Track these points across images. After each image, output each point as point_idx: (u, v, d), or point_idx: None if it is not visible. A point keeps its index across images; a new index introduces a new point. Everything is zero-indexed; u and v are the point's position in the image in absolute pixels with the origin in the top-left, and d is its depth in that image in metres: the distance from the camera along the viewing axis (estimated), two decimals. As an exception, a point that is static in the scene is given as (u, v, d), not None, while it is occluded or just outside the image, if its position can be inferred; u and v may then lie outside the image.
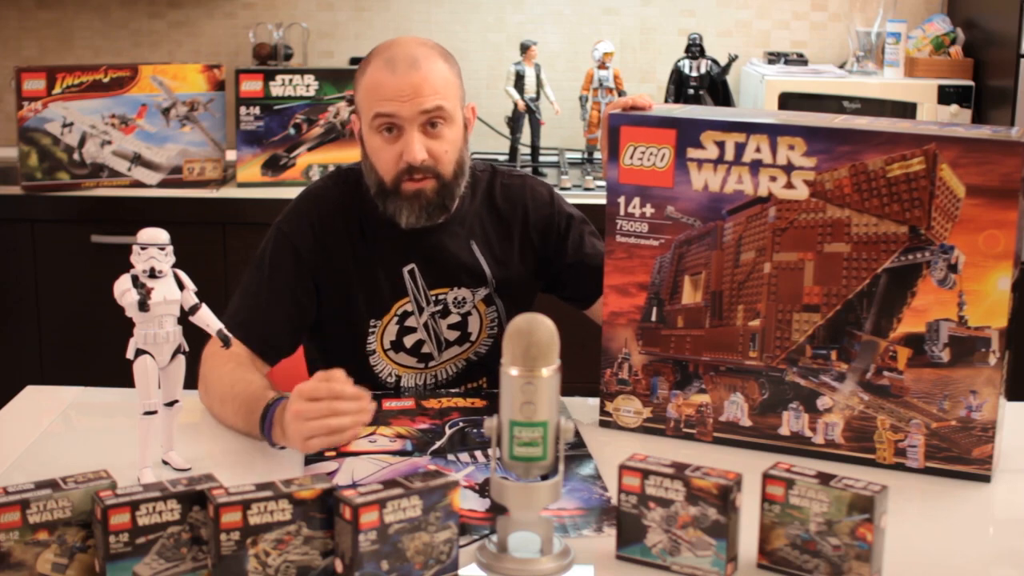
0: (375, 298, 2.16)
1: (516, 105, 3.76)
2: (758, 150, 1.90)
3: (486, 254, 2.20)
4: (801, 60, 3.95)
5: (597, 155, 3.83)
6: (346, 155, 3.51)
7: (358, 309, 2.16)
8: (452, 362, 2.23)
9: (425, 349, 2.20)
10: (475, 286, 2.19)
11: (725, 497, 1.53)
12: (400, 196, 2.08)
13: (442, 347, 2.20)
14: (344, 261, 2.15)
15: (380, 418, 2.04)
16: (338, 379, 1.79)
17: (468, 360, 2.23)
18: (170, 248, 1.73)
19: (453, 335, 2.20)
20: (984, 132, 1.85)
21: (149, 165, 3.57)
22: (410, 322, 2.18)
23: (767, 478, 1.57)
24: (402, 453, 1.92)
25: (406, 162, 2.05)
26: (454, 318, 2.20)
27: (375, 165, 2.09)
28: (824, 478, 1.55)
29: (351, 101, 2.18)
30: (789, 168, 1.88)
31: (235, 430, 1.97)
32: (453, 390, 2.22)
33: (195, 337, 1.85)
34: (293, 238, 2.14)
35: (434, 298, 2.18)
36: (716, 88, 3.84)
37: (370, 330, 2.17)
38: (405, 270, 2.16)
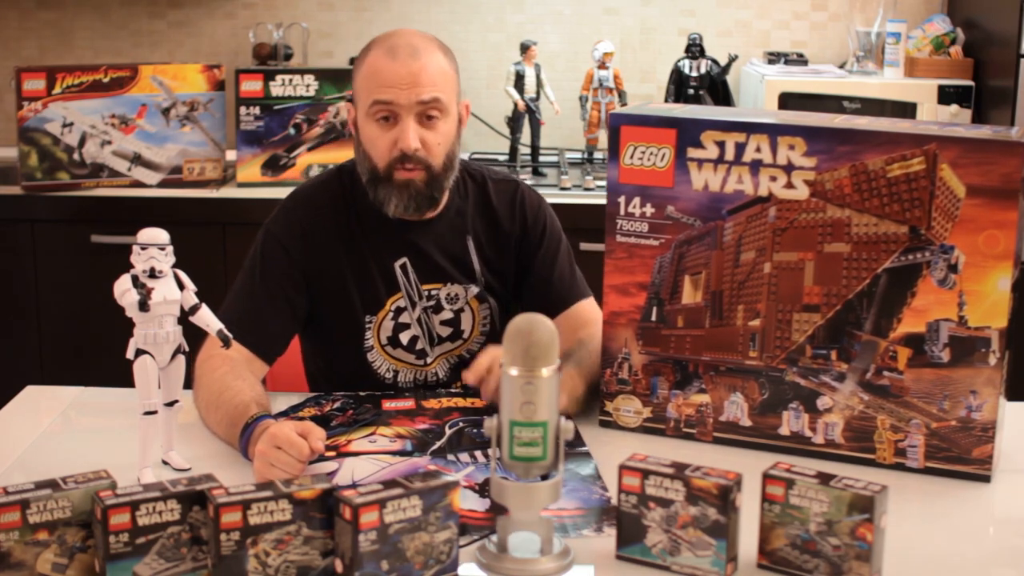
0: (369, 293, 2.17)
1: (516, 105, 3.76)
2: (758, 150, 1.90)
3: (479, 252, 2.21)
4: (801, 60, 3.94)
5: (597, 155, 3.83)
6: (346, 155, 3.46)
7: (353, 305, 2.17)
8: (445, 358, 2.23)
9: (419, 345, 2.20)
10: (466, 282, 2.20)
11: (725, 497, 1.53)
12: (391, 183, 2.10)
13: (434, 342, 2.21)
14: (336, 258, 2.16)
15: (380, 418, 2.04)
16: (314, 437, 1.78)
17: (461, 357, 2.24)
18: (170, 248, 1.73)
19: (446, 331, 2.21)
20: (984, 132, 1.85)
21: (149, 165, 3.56)
22: (404, 318, 2.18)
23: (767, 478, 1.57)
24: (402, 453, 1.92)
25: (400, 149, 2.07)
26: (447, 314, 2.20)
27: (369, 153, 2.11)
28: (824, 478, 1.54)
29: (351, 100, 2.19)
30: (789, 168, 1.88)
31: (218, 437, 1.97)
32: (453, 390, 2.22)
33: (195, 337, 1.85)
34: (282, 238, 2.16)
35: (427, 293, 2.19)
36: (716, 88, 3.83)
37: (366, 325, 2.18)
38: (397, 265, 2.17)
